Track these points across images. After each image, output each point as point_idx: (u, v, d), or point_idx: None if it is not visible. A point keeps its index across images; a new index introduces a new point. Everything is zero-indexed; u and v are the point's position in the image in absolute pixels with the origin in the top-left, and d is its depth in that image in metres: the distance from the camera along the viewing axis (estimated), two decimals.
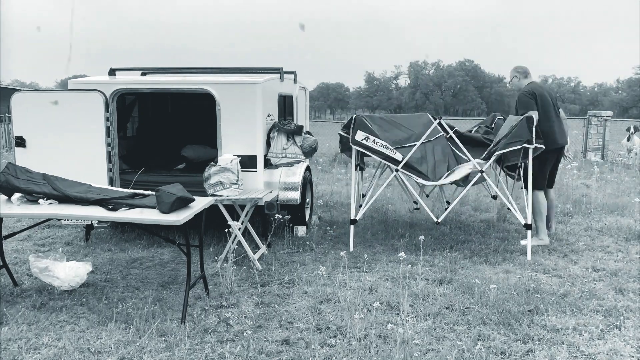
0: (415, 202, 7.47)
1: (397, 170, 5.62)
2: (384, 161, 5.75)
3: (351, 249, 5.71)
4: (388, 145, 5.53)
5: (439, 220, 5.75)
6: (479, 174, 5.55)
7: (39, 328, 3.82)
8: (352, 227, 5.79)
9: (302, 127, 6.01)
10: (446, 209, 6.21)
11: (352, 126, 5.58)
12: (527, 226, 5.55)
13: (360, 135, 5.52)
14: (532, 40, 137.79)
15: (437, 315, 4.03)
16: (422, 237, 5.18)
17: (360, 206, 6.09)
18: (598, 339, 3.68)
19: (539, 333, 3.73)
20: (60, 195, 4.22)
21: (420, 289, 4.51)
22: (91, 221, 5.61)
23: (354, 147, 5.63)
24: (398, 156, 5.53)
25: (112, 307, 4.14)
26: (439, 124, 6.06)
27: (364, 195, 6.64)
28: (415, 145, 5.72)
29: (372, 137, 5.52)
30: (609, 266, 5.20)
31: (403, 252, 4.46)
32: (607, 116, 15.40)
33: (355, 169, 6.00)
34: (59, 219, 5.42)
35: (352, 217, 5.85)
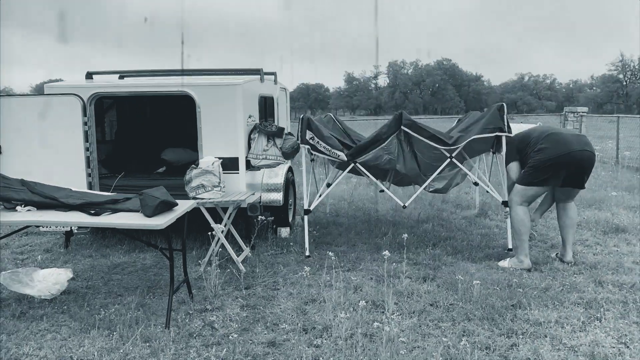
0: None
1: (355, 163, 5.58)
2: (332, 158, 5.72)
3: (307, 252, 5.52)
4: (330, 149, 5.55)
5: (406, 205, 5.75)
6: (448, 160, 5.45)
7: (19, 338, 3.74)
8: (305, 217, 5.62)
9: (283, 129, 5.99)
10: (417, 186, 6.03)
11: (299, 126, 5.60)
12: (505, 203, 5.38)
13: (308, 135, 5.59)
14: (509, 38, 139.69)
15: (422, 313, 4.06)
16: (406, 235, 5.21)
17: (320, 195, 6.17)
18: (580, 331, 3.74)
19: (523, 327, 3.78)
20: (41, 201, 4.12)
21: (405, 287, 4.53)
22: (71, 227, 5.53)
23: (303, 145, 5.64)
24: (343, 157, 5.55)
25: (94, 314, 4.08)
26: (399, 118, 5.63)
27: (329, 185, 6.58)
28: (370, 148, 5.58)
29: (317, 139, 5.56)
30: (588, 259, 5.30)
31: (387, 251, 4.47)
32: (582, 112, 15.70)
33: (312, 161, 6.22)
34: (37, 226, 5.32)
35: (306, 207, 5.69)
